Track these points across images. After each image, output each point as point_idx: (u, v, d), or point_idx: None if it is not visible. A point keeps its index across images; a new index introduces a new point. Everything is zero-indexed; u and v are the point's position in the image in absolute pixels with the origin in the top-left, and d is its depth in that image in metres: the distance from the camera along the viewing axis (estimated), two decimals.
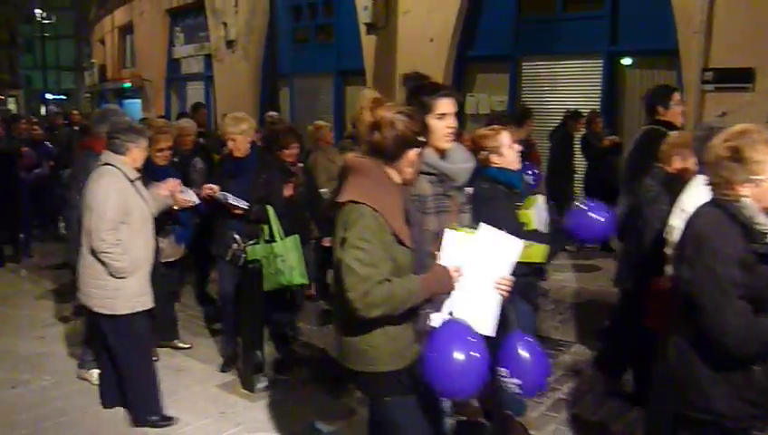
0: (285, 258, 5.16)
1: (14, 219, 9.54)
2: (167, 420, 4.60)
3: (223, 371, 5.51)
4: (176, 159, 6.43)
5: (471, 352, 2.63)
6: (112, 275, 4.32)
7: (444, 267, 2.83)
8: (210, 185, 5.41)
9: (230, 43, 18.16)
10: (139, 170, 4.57)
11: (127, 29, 27.82)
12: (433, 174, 3.13)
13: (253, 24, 17.20)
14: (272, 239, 5.23)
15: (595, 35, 10.70)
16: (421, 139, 2.83)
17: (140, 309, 4.44)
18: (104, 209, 4.23)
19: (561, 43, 11.12)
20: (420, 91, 3.21)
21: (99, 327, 4.56)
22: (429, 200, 3.10)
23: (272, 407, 4.90)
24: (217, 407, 4.92)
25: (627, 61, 10.77)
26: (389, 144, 2.77)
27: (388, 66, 13.09)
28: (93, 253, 4.32)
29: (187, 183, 6.07)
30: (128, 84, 26.47)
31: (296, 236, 5.37)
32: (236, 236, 5.28)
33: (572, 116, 9.73)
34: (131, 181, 4.43)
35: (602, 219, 4.22)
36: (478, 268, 2.89)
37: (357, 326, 2.78)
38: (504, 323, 3.03)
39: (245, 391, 5.14)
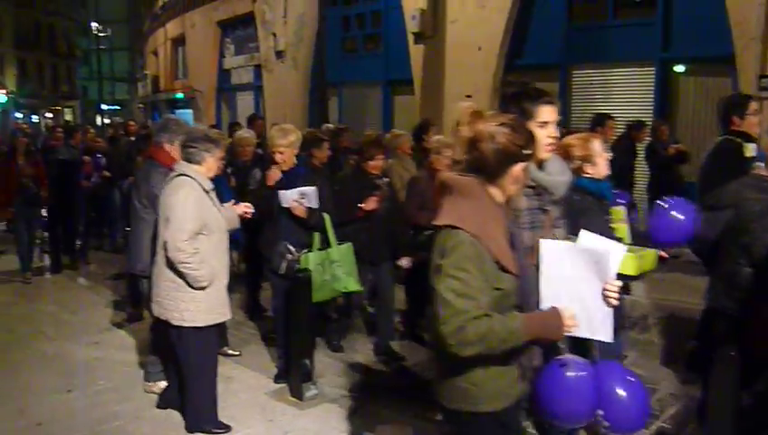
0: (342, 264, 5.19)
1: (73, 228, 9.77)
2: (221, 429, 4.64)
3: (276, 382, 5.51)
4: (228, 170, 6.50)
5: (583, 383, 2.51)
6: (190, 287, 4.28)
7: (556, 311, 2.55)
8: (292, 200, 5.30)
9: (279, 54, 18.39)
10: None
11: (179, 41, 28.40)
12: (530, 187, 2.88)
13: (302, 35, 17.39)
14: (325, 246, 5.25)
15: (647, 42, 10.54)
16: (526, 152, 2.56)
17: (217, 321, 4.44)
18: (183, 220, 4.20)
19: (612, 50, 10.97)
20: (520, 98, 3.00)
21: (169, 338, 4.54)
22: (524, 215, 2.88)
23: (320, 416, 4.90)
24: (266, 415, 4.94)
25: (680, 68, 10.58)
26: (490, 160, 2.51)
27: (436, 75, 13.09)
28: (170, 264, 4.28)
29: (245, 193, 6.14)
30: (180, 95, 27.00)
31: (350, 243, 5.41)
32: (290, 247, 5.23)
33: (636, 126, 9.49)
34: (206, 192, 4.39)
35: (685, 217, 3.94)
36: (582, 277, 2.64)
37: (455, 362, 2.49)
38: (584, 347, 2.78)
39: (294, 400, 5.15)
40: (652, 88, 10.58)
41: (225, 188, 5.44)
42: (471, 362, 2.48)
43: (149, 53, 36.10)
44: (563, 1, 11.66)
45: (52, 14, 53.77)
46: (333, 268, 5.17)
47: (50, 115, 48.69)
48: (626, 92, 11.01)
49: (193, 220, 4.22)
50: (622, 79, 11.10)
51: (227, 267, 4.55)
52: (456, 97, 12.72)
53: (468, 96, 12.51)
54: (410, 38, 13.72)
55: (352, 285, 5.31)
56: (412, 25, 13.50)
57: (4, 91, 43.93)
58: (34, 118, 47.09)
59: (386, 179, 6.05)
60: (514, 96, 3.02)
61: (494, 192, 2.55)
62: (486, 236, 2.45)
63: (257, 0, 19.35)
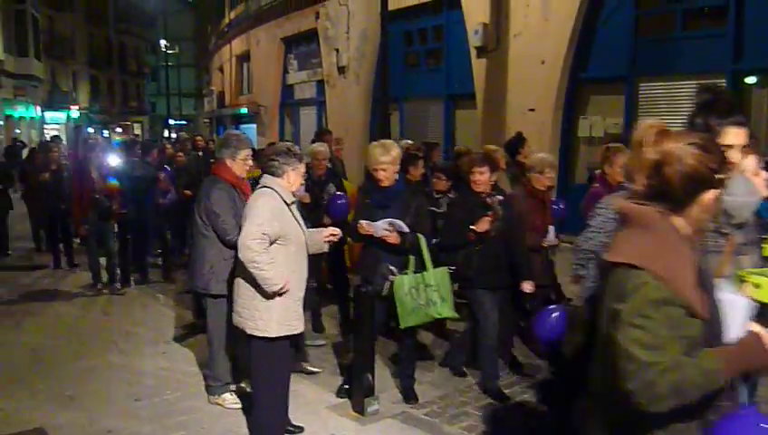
0: (437, 289, 4.97)
1: (143, 244, 9.84)
2: None
3: (339, 396, 5.44)
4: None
5: None
6: (265, 296, 4.25)
7: (753, 334, 2.18)
8: (363, 222, 5.06)
9: (342, 69, 18.58)
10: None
11: (244, 57, 29.01)
12: None
13: (364, 50, 17.54)
14: (421, 269, 5.05)
15: (717, 53, 10.27)
16: (719, 176, 2.19)
17: (289, 333, 4.38)
18: (256, 221, 4.18)
19: (680, 62, 10.73)
20: (709, 111, 2.74)
21: (249, 348, 4.48)
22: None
23: (381, 431, 4.89)
24: (328, 429, 4.95)
25: (751, 79, 10.26)
26: (677, 186, 2.15)
27: (498, 89, 13.03)
28: (247, 272, 4.25)
29: (319, 207, 6.10)
30: (244, 110, 27.51)
31: (446, 267, 5.17)
32: (392, 268, 5.03)
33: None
34: (288, 205, 4.37)
35: None
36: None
37: (632, 421, 2.17)
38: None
39: (356, 414, 5.15)
40: None
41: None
42: (652, 420, 2.15)
43: (215, 70, 36.97)
44: (630, 13, 11.47)
45: (123, 33, 55.64)
46: (428, 293, 4.94)
47: (119, 130, 50.21)
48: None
49: (267, 223, 4.17)
50: (691, 91, 10.75)
51: (304, 281, 4.46)
52: (518, 111, 12.64)
53: (531, 110, 12.41)
54: (473, 52, 13.68)
55: (447, 311, 5.07)
56: (474, 40, 13.46)
57: (76, 107, 45.55)
58: (105, 133, 48.64)
59: (499, 197, 5.47)
60: (704, 107, 2.77)
61: (680, 224, 2.20)
62: (673, 277, 2.10)
63: (320, 17, 19.64)
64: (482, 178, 5.36)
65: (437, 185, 6.84)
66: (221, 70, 34.47)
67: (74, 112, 45.02)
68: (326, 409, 5.29)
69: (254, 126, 25.98)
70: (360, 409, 5.14)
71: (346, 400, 5.36)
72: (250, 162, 5.39)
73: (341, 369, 6.02)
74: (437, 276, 5.03)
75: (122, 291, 9.08)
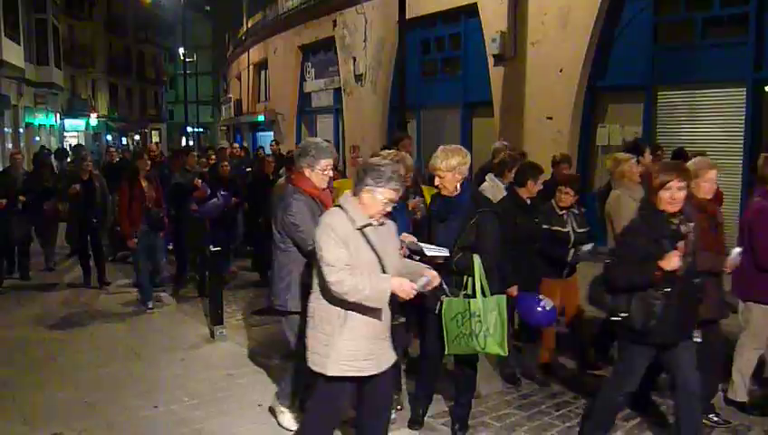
0: (482, 319, 4.36)
1: (184, 254, 9.61)
2: None
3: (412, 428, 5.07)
4: None
5: None
6: (327, 329, 3.76)
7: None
8: (405, 234, 4.58)
9: (359, 77, 18.63)
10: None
11: (262, 65, 29.19)
12: None
13: (381, 58, 17.58)
14: (473, 295, 4.45)
15: (738, 62, 10.18)
16: None
17: (353, 374, 3.76)
18: (325, 257, 3.67)
19: (700, 70, 10.65)
20: None
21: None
22: None
23: None
24: None
25: None
26: None
27: (516, 97, 13.00)
28: (312, 298, 3.88)
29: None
30: (261, 117, 27.64)
31: (503, 296, 4.55)
32: (445, 287, 4.46)
33: None
34: (361, 228, 3.74)
35: None
36: None
37: None
38: None
39: None
40: (743, 110, 10.19)
41: (401, 219, 4.72)
42: None
43: (233, 78, 37.23)
44: (649, 21, 11.41)
45: (141, 41, 56.15)
46: (472, 322, 4.38)
47: (137, 138, 50.61)
48: (715, 115, 10.64)
49: (332, 252, 3.64)
50: (711, 100, 10.74)
51: (382, 317, 3.80)
52: (536, 120, 12.61)
53: (549, 118, 12.37)
54: (490, 60, 13.66)
55: (492, 347, 4.38)
56: (492, 48, 13.44)
57: (95, 115, 45.95)
58: (123, 140, 49.05)
59: (691, 224, 4.17)
60: None
61: None
62: None
63: (338, 25, 19.71)
64: (680, 195, 4.07)
65: (563, 200, 5.97)
66: (239, 78, 34.71)
67: (93, 120, 45.44)
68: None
69: (272, 133, 26.10)
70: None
71: None
72: (330, 172, 4.93)
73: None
74: (484, 305, 4.38)
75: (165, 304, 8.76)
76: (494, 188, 6.65)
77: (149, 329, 7.82)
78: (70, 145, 40.09)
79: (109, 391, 5.83)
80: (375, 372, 3.81)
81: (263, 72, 29.76)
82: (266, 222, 8.81)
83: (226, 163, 10.58)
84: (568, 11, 11.94)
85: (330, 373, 3.75)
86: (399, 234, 4.35)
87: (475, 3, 14.07)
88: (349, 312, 3.71)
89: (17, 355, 6.86)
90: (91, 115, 45.05)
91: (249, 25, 31.44)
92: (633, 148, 7.24)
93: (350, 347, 3.73)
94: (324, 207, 4.66)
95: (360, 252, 3.70)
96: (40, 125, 34.03)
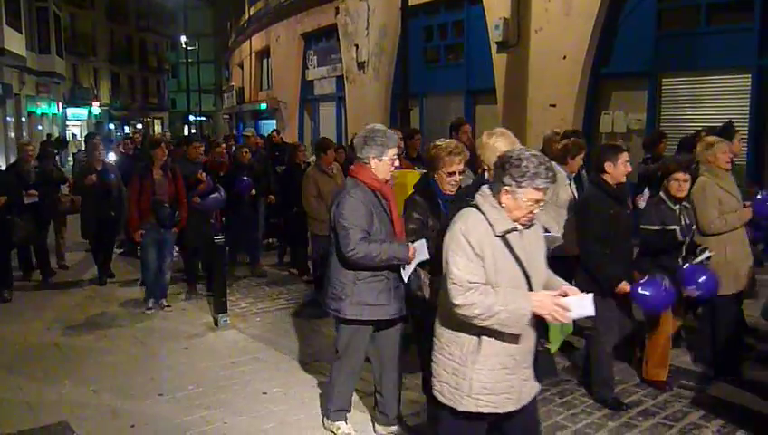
0: None
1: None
2: None
3: None
4: None
5: None
6: (457, 355, 3.19)
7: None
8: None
9: (361, 65, 18.57)
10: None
11: (264, 53, 29.09)
12: None
13: (383, 46, 17.51)
14: None
15: (743, 48, 10.12)
16: None
17: (490, 411, 3.17)
18: (453, 272, 3.08)
19: (704, 57, 10.59)
20: None
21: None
22: None
23: None
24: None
25: None
26: None
27: (519, 84, 12.95)
28: (442, 318, 3.30)
29: None
30: (264, 105, 27.59)
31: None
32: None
33: None
34: (502, 235, 3.11)
35: None
36: None
37: None
38: None
39: None
40: (747, 96, 10.14)
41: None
42: None
43: (235, 66, 37.13)
44: (653, 7, 11.33)
45: (143, 30, 56.12)
46: None
47: (140, 126, 50.64)
48: (720, 101, 10.59)
49: (462, 266, 3.03)
50: (715, 87, 10.68)
51: (528, 343, 3.18)
52: (539, 106, 12.56)
53: (552, 105, 12.33)
54: (493, 47, 13.60)
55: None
56: (495, 35, 13.38)
57: (97, 103, 45.96)
58: (126, 129, 49.06)
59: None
60: None
61: None
62: None
63: (340, 12, 19.63)
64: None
65: (680, 190, 5.16)
66: (241, 66, 34.61)
67: (95, 109, 45.50)
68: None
69: (274, 122, 26.06)
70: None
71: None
72: (397, 161, 4.46)
73: None
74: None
75: (171, 309, 8.01)
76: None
77: (153, 317, 7.82)
78: (72, 134, 40.28)
79: (114, 379, 5.85)
80: (515, 408, 3.20)
81: (265, 61, 29.67)
82: (300, 213, 8.75)
83: (247, 151, 10.12)
84: None
85: (461, 408, 3.18)
86: None
87: None
88: (483, 336, 3.11)
89: (21, 345, 6.88)
90: (94, 104, 45.14)
91: (251, 13, 31.31)
92: (725, 131, 6.61)
93: (485, 379, 3.13)
94: (387, 202, 4.39)
95: (500, 264, 3.06)
96: (42, 114, 34.08)
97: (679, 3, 11.44)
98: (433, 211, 4.36)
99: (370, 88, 18.29)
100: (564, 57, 12.09)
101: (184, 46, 46.45)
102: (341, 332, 4.58)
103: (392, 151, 4.35)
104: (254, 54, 30.88)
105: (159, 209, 7.68)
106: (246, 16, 32.48)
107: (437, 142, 4.47)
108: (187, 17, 53.55)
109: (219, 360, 6.32)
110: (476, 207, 3.12)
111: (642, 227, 5.20)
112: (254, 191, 9.61)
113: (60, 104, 37.67)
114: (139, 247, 8.77)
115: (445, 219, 3.93)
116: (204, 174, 8.63)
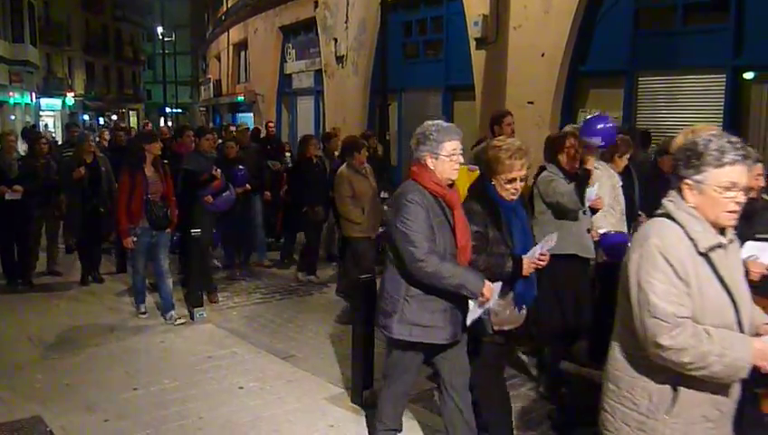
0: None
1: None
2: None
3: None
4: None
5: None
6: (634, 410, 2.58)
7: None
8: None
9: (340, 59, 18.51)
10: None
11: (241, 46, 28.90)
12: None
13: (362, 40, 17.47)
14: None
15: (718, 48, 10.22)
16: None
17: None
18: (653, 304, 2.45)
19: (680, 56, 10.68)
20: None
21: None
22: None
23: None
24: (326, 420, 4.95)
25: (751, 75, 10.23)
26: None
27: (497, 81, 12.98)
28: (632, 365, 2.61)
29: None
30: (241, 98, 27.44)
31: None
32: None
33: None
34: (705, 253, 2.48)
35: None
36: None
37: None
38: None
39: (354, 405, 5.14)
40: (722, 96, 10.26)
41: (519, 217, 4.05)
42: None
43: (212, 58, 36.82)
44: (630, 6, 11.41)
45: (119, 19, 55.43)
46: None
47: (115, 117, 50.09)
48: (695, 100, 10.70)
49: (662, 296, 2.41)
50: (691, 86, 10.79)
51: (729, 401, 2.58)
52: (517, 104, 12.59)
53: (530, 102, 12.38)
54: (472, 44, 13.62)
55: None
56: (474, 31, 13.40)
57: (72, 94, 45.36)
58: (100, 120, 48.52)
59: None
60: None
61: None
62: None
63: (319, 6, 19.54)
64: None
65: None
66: (218, 58, 34.34)
67: (70, 99, 44.89)
68: (324, 399, 5.29)
69: (251, 115, 25.92)
70: (357, 400, 5.14)
71: (344, 390, 5.37)
72: (460, 157, 3.88)
73: (340, 359, 6.02)
74: None
75: (182, 321, 7.31)
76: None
77: (129, 311, 7.76)
78: (45, 125, 39.72)
79: (88, 373, 5.80)
80: None
81: (242, 53, 29.46)
82: (312, 211, 8.70)
83: (232, 144, 9.59)
84: None
85: None
86: (523, 236, 3.81)
87: None
88: (681, 382, 2.48)
89: None
90: (68, 94, 44.52)
91: (229, 5, 31.07)
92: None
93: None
94: (452, 211, 3.85)
95: (704, 290, 2.42)
96: (15, 104, 33.55)
97: (656, 2, 11.54)
98: (494, 221, 3.89)
99: (349, 82, 18.24)
100: (543, 55, 12.13)
101: (160, 37, 46.00)
102: (389, 350, 4.18)
103: (450, 145, 3.82)
104: (231, 47, 30.65)
105: (153, 210, 7.10)
106: (224, 8, 32.24)
107: (496, 142, 3.97)
108: (164, 8, 52.98)
109: (195, 354, 6.29)
110: (668, 216, 2.49)
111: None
112: (248, 186, 9.18)
113: (33, 94, 37.11)
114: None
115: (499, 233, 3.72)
116: (219, 170, 8.01)
